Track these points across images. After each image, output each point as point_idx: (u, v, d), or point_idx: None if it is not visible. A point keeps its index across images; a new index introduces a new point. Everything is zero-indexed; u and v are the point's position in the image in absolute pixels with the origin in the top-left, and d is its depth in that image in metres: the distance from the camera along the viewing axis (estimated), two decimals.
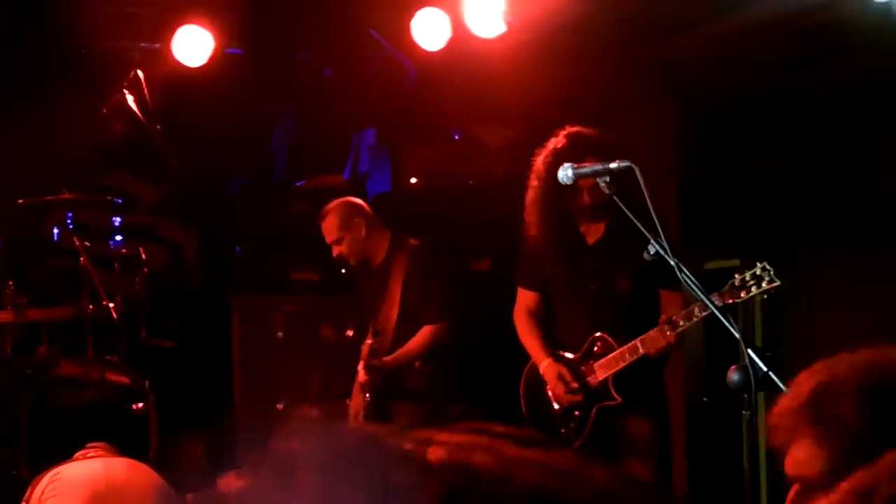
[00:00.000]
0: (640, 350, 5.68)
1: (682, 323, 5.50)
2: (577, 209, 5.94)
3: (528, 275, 6.31)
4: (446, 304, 7.20)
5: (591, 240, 6.05)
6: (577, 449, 5.99)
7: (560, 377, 5.98)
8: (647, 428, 5.95)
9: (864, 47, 8.11)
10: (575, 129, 5.88)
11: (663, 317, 5.55)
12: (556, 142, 5.86)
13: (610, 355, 5.83)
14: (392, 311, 7.20)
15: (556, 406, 6.08)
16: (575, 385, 5.94)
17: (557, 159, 5.61)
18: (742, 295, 5.03)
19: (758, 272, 4.99)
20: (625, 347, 5.76)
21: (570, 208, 5.93)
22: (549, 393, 6.08)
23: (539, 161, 5.92)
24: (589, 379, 5.93)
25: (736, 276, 5.03)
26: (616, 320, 5.86)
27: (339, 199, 7.39)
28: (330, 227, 7.29)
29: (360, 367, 7.20)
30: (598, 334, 5.90)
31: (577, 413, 5.99)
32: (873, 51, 8.02)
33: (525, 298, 6.34)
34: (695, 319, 5.45)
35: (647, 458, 5.93)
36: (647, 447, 5.94)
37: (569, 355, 6.05)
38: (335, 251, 7.33)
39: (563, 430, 6.06)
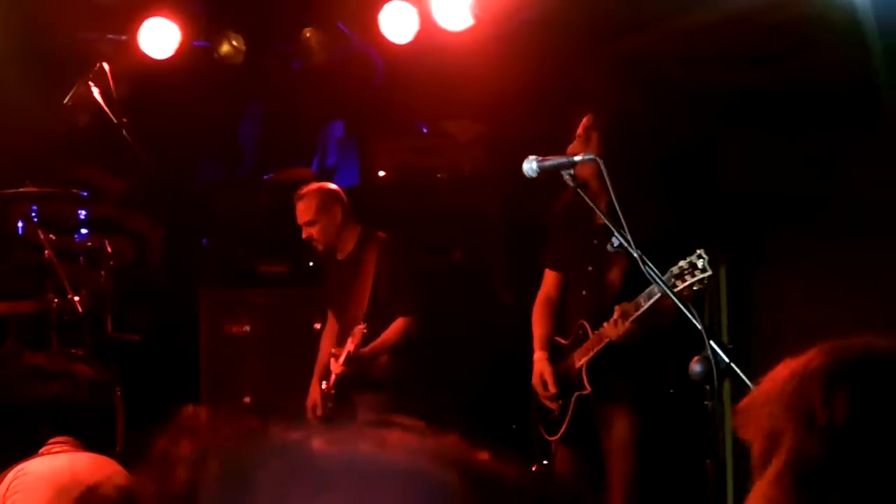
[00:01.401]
0: (602, 339, 5.70)
1: (632, 312, 5.51)
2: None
3: (552, 253, 6.29)
4: (418, 297, 7.21)
5: (598, 220, 5.99)
6: (560, 438, 6.02)
7: (541, 378, 6.01)
8: (629, 427, 5.93)
9: (829, 44, 8.14)
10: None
11: (617, 307, 5.56)
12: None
13: (584, 344, 5.85)
14: (362, 304, 7.20)
15: None
16: (552, 391, 5.94)
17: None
18: (678, 284, 4.97)
19: (693, 259, 4.97)
20: (594, 335, 5.78)
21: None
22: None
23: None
24: (572, 367, 5.93)
25: (681, 262, 5.00)
26: (602, 308, 5.81)
27: (318, 183, 7.38)
28: (307, 208, 7.28)
29: (341, 357, 7.17)
30: (581, 321, 5.91)
31: (560, 401, 6.00)
32: (837, 47, 8.05)
33: (547, 281, 6.33)
34: (642, 309, 5.45)
35: (624, 450, 5.93)
36: (624, 440, 5.93)
37: (563, 341, 6.06)
38: (305, 232, 7.31)
39: (550, 417, 6.08)
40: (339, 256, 7.40)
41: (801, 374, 2.15)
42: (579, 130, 5.92)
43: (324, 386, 7.35)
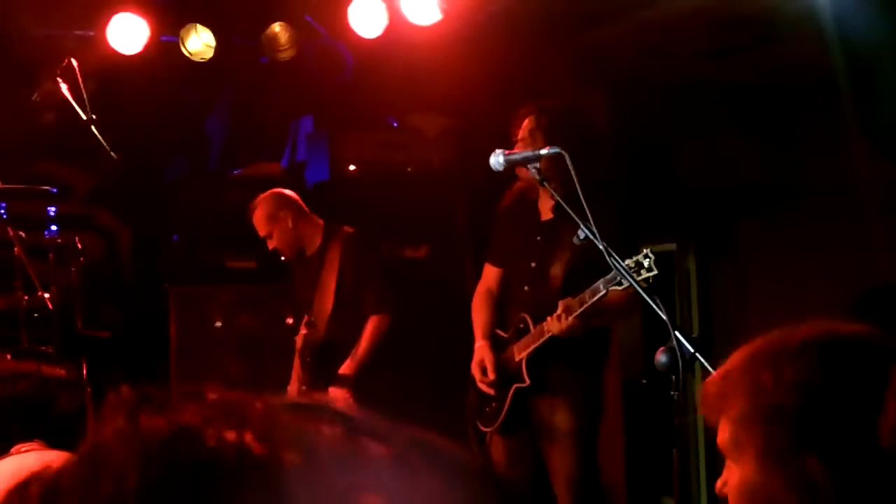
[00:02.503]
0: (545, 333, 5.75)
1: (576, 308, 5.55)
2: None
3: (496, 249, 6.35)
4: (386, 292, 7.22)
5: (543, 216, 6.08)
6: (496, 429, 6.06)
7: (481, 364, 6.06)
8: (571, 421, 5.98)
9: (788, 38, 8.19)
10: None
11: (561, 301, 5.60)
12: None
13: (525, 337, 5.90)
14: (327, 301, 7.21)
15: None
16: (491, 377, 5.99)
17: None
18: (636, 280, 5.03)
19: (640, 259, 5.01)
20: (535, 329, 5.83)
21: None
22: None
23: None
24: (510, 360, 5.99)
25: (626, 261, 5.04)
26: (544, 302, 5.87)
27: (267, 192, 7.39)
28: (258, 222, 7.33)
29: (296, 358, 7.23)
30: (522, 314, 5.96)
31: (499, 393, 6.05)
32: (796, 41, 8.10)
33: (487, 275, 6.41)
34: (586, 305, 5.49)
35: (565, 443, 5.98)
36: (564, 432, 5.99)
37: (503, 334, 6.12)
38: (269, 245, 7.35)
39: (487, 409, 6.14)
40: (307, 254, 7.41)
41: (752, 357, 2.18)
42: (523, 133, 5.93)
43: (299, 384, 7.39)
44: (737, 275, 10.62)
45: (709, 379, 2.25)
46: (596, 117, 9.25)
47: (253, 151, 9.29)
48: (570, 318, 5.59)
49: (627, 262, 4.99)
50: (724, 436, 2.18)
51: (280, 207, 7.34)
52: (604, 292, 5.39)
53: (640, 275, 4.93)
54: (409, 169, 9.31)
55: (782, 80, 9.37)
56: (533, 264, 6.07)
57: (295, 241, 7.36)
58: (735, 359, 2.21)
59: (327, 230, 7.38)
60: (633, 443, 9.57)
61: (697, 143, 10.06)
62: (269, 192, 7.43)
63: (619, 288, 5.27)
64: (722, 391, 2.19)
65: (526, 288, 6.09)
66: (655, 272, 4.94)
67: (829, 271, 9.56)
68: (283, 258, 7.52)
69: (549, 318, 5.73)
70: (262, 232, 7.34)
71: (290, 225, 7.32)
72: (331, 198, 8.22)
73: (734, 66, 9.15)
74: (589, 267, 5.78)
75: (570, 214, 5.38)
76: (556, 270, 5.98)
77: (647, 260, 4.95)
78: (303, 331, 7.21)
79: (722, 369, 2.22)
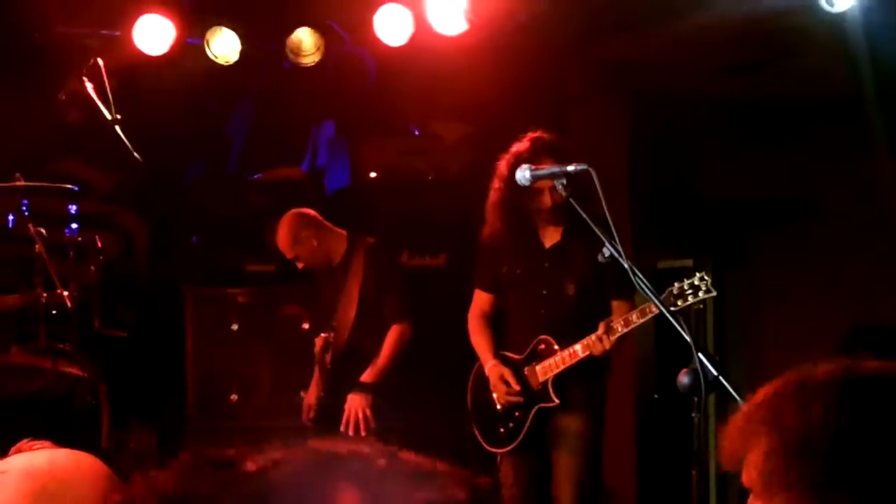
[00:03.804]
0: (580, 354, 5.84)
1: (619, 329, 5.65)
2: (537, 212, 6.04)
3: (485, 276, 6.44)
4: (405, 301, 7.25)
5: (547, 243, 6.15)
6: (514, 448, 6.09)
7: (502, 378, 6.11)
8: (581, 427, 6.11)
9: (811, 54, 8.18)
10: (537, 133, 5.97)
11: (602, 323, 5.67)
12: (519, 146, 5.96)
13: (550, 359, 5.97)
14: (350, 309, 7.25)
15: (498, 406, 6.19)
16: (516, 388, 6.06)
17: (519, 162, 5.71)
18: (679, 303, 5.13)
19: (696, 282, 5.09)
20: (564, 351, 5.91)
21: (531, 211, 6.03)
22: (493, 395, 6.20)
23: (502, 164, 6.04)
24: (531, 381, 6.06)
25: (675, 284, 5.12)
26: (562, 325, 6.00)
27: (286, 216, 7.39)
28: (283, 247, 7.37)
29: (316, 368, 7.27)
30: (542, 337, 6.01)
31: (516, 413, 6.12)
32: (821, 57, 8.10)
33: (480, 300, 6.48)
34: (632, 325, 5.61)
35: (578, 454, 6.09)
36: (578, 445, 6.10)
37: (514, 356, 6.16)
38: (299, 265, 7.38)
39: (502, 430, 6.19)
40: (333, 265, 7.43)
41: (776, 395, 2.18)
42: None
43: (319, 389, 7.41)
44: (752, 290, 10.61)
45: (731, 418, 2.25)
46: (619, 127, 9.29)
47: (274, 155, 9.31)
48: (613, 338, 5.68)
49: (684, 283, 5.07)
50: (750, 474, 2.17)
51: (301, 228, 7.35)
52: (654, 314, 5.49)
53: (696, 296, 5.01)
54: (429, 177, 9.32)
55: (803, 95, 9.37)
56: (544, 291, 6.13)
57: (323, 258, 7.39)
58: (758, 397, 2.21)
59: (351, 240, 7.41)
60: (645, 455, 9.57)
61: (718, 158, 10.06)
62: (288, 214, 7.42)
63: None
64: (747, 430, 2.19)
65: (542, 311, 6.15)
66: (714, 294, 5.04)
67: (845, 287, 9.56)
68: (302, 270, 7.52)
69: (587, 340, 5.79)
70: (288, 255, 7.37)
71: (314, 244, 7.35)
72: (350, 204, 8.23)
73: (756, 81, 9.15)
74: (599, 284, 5.86)
75: (580, 235, 5.52)
76: (570, 292, 6.07)
77: (704, 283, 5.03)
78: (323, 334, 7.23)
79: (745, 408, 2.21)
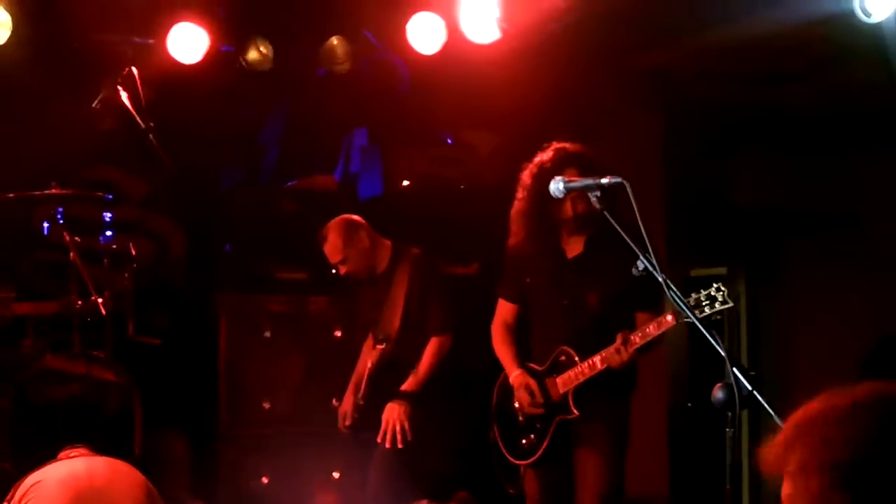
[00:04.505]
0: (598, 366, 5.83)
1: (637, 341, 5.64)
2: (560, 222, 6.03)
3: (509, 286, 6.44)
4: (450, 314, 7.26)
5: (570, 254, 6.15)
6: (536, 460, 6.10)
7: (527, 388, 6.11)
8: (603, 439, 6.07)
9: (850, 64, 8.15)
10: (561, 144, 5.98)
11: (620, 335, 5.66)
12: (543, 155, 5.98)
13: (571, 370, 5.95)
14: (394, 320, 7.26)
15: (520, 417, 6.19)
16: (540, 399, 6.04)
17: (543, 172, 5.74)
18: (696, 314, 5.10)
19: (712, 292, 5.08)
20: (585, 363, 5.89)
21: (555, 221, 6.03)
22: (516, 404, 6.19)
23: (525, 174, 6.05)
24: (552, 392, 6.05)
25: (692, 295, 5.11)
26: (584, 336, 5.99)
27: (336, 220, 7.41)
28: (334, 248, 7.35)
29: (365, 372, 7.27)
30: (563, 348, 6.01)
31: (538, 425, 6.13)
32: (859, 68, 8.06)
33: (503, 310, 6.48)
34: (649, 338, 5.61)
35: (601, 466, 6.05)
36: (600, 457, 6.06)
37: (536, 367, 6.16)
38: (342, 270, 7.39)
39: (524, 442, 6.19)
40: (376, 274, 7.44)
41: (815, 414, 2.19)
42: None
43: (357, 397, 7.41)
44: (786, 299, 10.58)
45: (772, 437, 2.26)
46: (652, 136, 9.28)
47: (307, 163, 9.32)
48: (631, 350, 5.67)
49: (700, 295, 5.06)
50: (787, 490, 2.19)
51: (355, 231, 7.38)
52: (669, 326, 5.52)
53: (713, 308, 5.00)
54: (461, 185, 9.32)
55: (839, 105, 9.33)
56: (566, 302, 6.12)
57: (368, 264, 7.40)
58: (797, 416, 2.23)
59: (395, 251, 7.42)
60: (677, 466, 9.55)
61: (752, 168, 10.04)
62: (337, 219, 7.45)
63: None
64: (785, 447, 2.21)
65: (563, 322, 6.13)
66: (731, 305, 5.03)
67: (879, 299, 9.52)
68: (341, 274, 7.52)
69: (605, 352, 5.80)
70: (336, 258, 7.37)
71: (367, 245, 7.37)
72: (382, 212, 8.23)
73: (792, 91, 9.12)
74: (624, 295, 5.85)
75: (603, 246, 5.52)
76: (592, 303, 6.05)
77: (721, 293, 5.02)
78: (379, 346, 7.24)
79: (786, 426, 2.23)
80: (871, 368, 8.98)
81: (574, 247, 6.16)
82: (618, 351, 5.73)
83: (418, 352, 7.21)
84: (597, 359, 5.87)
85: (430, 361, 7.17)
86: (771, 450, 2.24)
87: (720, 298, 5.06)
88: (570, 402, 6.00)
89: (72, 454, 4.36)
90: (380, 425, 7.14)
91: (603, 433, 6.05)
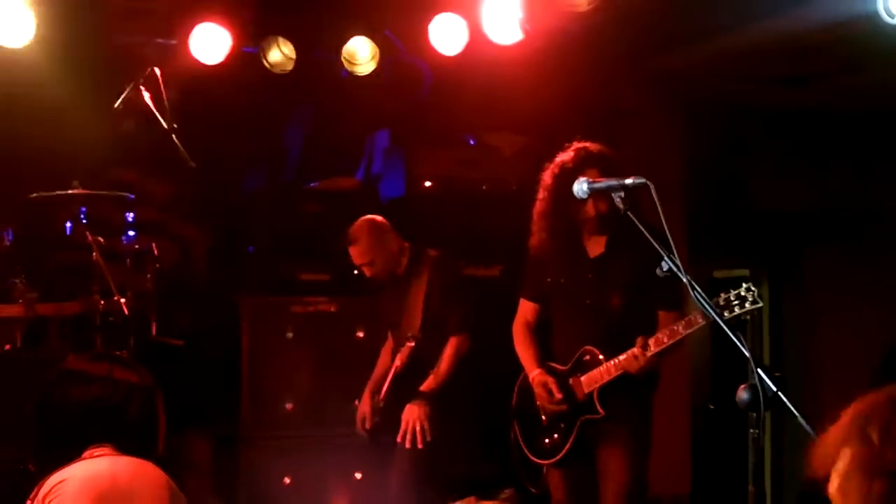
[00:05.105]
0: (618, 369, 5.82)
1: (653, 347, 5.62)
2: (582, 222, 6.02)
3: (531, 286, 6.44)
4: (468, 314, 7.25)
5: (592, 253, 6.13)
6: (560, 460, 6.11)
7: (545, 386, 6.10)
8: (627, 438, 6.06)
9: (874, 66, 8.13)
10: (582, 143, 5.98)
11: (639, 339, 5.66)
12: (564, 155, 5.97)
13: (595, 370, 5.96)
14: (415, 321, 7.26)
15: (543, 417, 6.19)
16: (559, 396, 6.06)
17: (564, 172, 5.74)
18: (725, 314, 5.10)
19: (742, 292, 5.08)
20: (609, 363, 5.88)
21: (576, 221, 6.02)
22: (538, 403, 6.19)
23: (547, 174, 6.05)
24: (576, 391, 6.04)
25: (721, 294, 5.10)
26: (607, 335, 5.98)
27: (362, 222, 7.40)
28: (362, 250, 7.34)
29: (390, 374, 7.27)
30: (587, 347, 6.00)
31: (562, 425, 6.12)
32: (883, 69, 8.04)
33: (525, 309, 6.48)
34: (663, 346, 5.61)
35: (624, 465, 6.04)
36: (624, 457, 6.05)
37: (559, 367, 6.15)
38: (368, 272, 7.38)
39: (547, 441, 6.18)
40: (396, 274, 7.44)
41: (862, 412, 2.20)
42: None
43: (376, 399, 7.40)
44: (808, 301, 10.56)
45: (821, 435, 2.27)
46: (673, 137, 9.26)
47: (329, 164, 9.33)
48: (648, 355, 5.67)
49: (730, 294, 5.05)
50: (833, 486, 2.19)
51: (384, 233, 7.38)
52: (682, 336, 5.57)
53: (743, 307, 5.00)
54: (484, 187, 9.32)
55: (863, 107, 9.30)
56: (588, 301, 6.11)
57: (393, 266, 7.40)
58: (847, 414, 2.23)
59: (413, 252, 7.42)
60: (699, 466, 9.54)
61: (775, 169, 10.02)
62: (365, 220, 7.43)
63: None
64: (833, 444, 2.21)
65: (586, 322, 6.13)
66: (761, 304, 5.02)
67: None
68: (366, 276, 7.52)
69: (623, 356, 5.82)
70: (362, 259, 7.36)
71: (394, 248, 7.37)
72: (405, 213, 8.23)
73: (814, 92, 9.09)
74: (645, 294, 5.84)
75: (625, 245, 5.51)
76: (614, 303, 6.03)
77: (751, 293, 5.02)
78: (409, 344, 7.23)
79: (834, 426, 2.24)
80: (891, 370, 8.96)
81: (596, 246, 6.15)
82: (636, 356, 5.74)
83: (437, 352, 7.20)
84: (617, 362, 5.85)
85: (450, 362, 7.17)
86: (822, 444, 2.25)
87: (750, 298, 5.06)
88: (596, 402, 5.99)
89: (95, 453, 4.36)
90: (399, 426, 7.14)
91: (626, 432, 6.04)
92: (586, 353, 6.05)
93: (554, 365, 6.24)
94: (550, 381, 6.14)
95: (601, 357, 5.97)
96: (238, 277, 8.74)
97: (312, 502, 8.16)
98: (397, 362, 7.25)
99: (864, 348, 9.48)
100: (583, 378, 6.05)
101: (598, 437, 6.09)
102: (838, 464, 2.19)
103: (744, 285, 5.08)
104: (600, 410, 5.99)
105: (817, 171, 9.99)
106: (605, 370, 5.93)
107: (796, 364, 10.30)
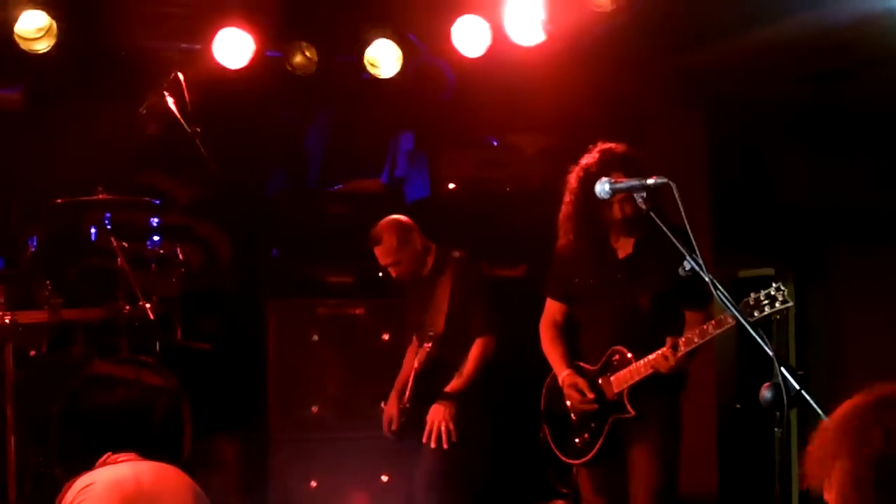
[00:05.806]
0: (648, 368, 5.82)
1: (682, 348, 5.63)
2: (609, 224, 6.02)
3: (557, 286, 6.43)
4: (492, 315, 7.25)
5: (621, 254, 6.12)
6: (590, 459, 6.08)
7: (575, 387, 6.10)
8: (657, 438, 6.07)
9: (893, 62, 8.10)
10: (606, 145, 5.97)
11: (669, 339, 5.66)
12: (588, 158, 5.97)
13: (625, 369, 5.96)
14: (438, 322, 7.25)
15: (573, 416, 6.18)
16: (590, 396, 6.05)
17: (589, 175, 5.74)
18: (755, 314, 5.09)
19: (772, 292, 5.07)
20: (640, 362, 5.88)
21: (604, 224, 6.02)
22: (567, 403, 6.18)
23: (572, 177, 6.05)
24: (606, 391, 6.04)
25: (751, 294, 5.10)
26: (637, 335, 5.98)
27: (386, 222, 7.39)
28: (387, 250, 7.34)
29: (411, 373, 7.27)
30: (616, 347, 6.00)
31: (592, 424, 6.12)
32: None
33: (552, 309, 6.47)
34: (693, 346, 5.61)
35: (655, 465, 6.05)
36: (655, 457, 6.06)
37: (587, 367, 6.15)
38: (393, 273, 7.39)
39: (577, 441, 6.18)
40: (420, 275, 7.44)
41: (856, 412, 2.18)
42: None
43: (402, 401, 7.40)
44: (833, 300, 10.52)
45: (812, 436, 2.24)
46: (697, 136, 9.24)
47: (353, 167, 9.34)
48: (677, 356, 5.68)
49: (760, 294, 5.05)
50: (830, 495, 2.18)
51: (409, 232, 7.38)
52: (711, 336, 5.59)
53: (773, 307, 4.99)
54: (507, 188, 9.31)
55: (886, 103, 9.27)
56: (617, 302, 6.11)
57: (417, 266, 7.40)
58: (838, 414, 2.21)
59: (438, 253, 7.42)
60: (726, 466, 9.52)
61: (798, 167, 9.98)
62: (389, 220, 7.43)
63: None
64: (827, 451, 2.19)
65: (614, 322, 6.13)
66: (791, 304, 5.02)
67: None
68: (392, 277, 7.53)
69: (653, 356, 5.81)
70: (388, 260, 7.37)
71: (419, 247, 7.37)
72: (429, 215, 8.22)
73: (838, 89, 9.07)
74: (673, 294, 5.83)
75: (653, 246, 5.51)
76: (643, 303, 6.04)
77: (781, 293, 5.02)
78: (426, 345, 7.23)
79: (825, 427, 2.21)
80: None
81: (624, 247, 6.15)
82: (665, 357, 5.74)
83: (463, 354, 7.20)
84: (647, 361, 5.85)
85: (475, 363, 7.17)
86: (811, 457, 2.23)
87: (780, 298, 5.06)
88: (626, 401, 5.99)
89: (119, 459, 4.37)
90: (425, 427, 7.14)
91: (656, 431, 6.05)
92: (615, 354, 6.05)
93: (583, 365, 6.25)
94: (581, 381, 6.15)
95: (630, 356, 5.97)
96: (263, 281, 8.75)
97: None
98: (416, 363, 7.25)
99: (891, 346, 9.46)
100: (612, 378, 6.05)
101: (629, 437, 6.09)
102: (836, 466, 2.17)
103: (773, 285, 5.08)
104: (631, 410, 5.99)
105: (841, 167, 9.96)
106: (635, 370, 5.93)
107: (822, 362, 10.26)
